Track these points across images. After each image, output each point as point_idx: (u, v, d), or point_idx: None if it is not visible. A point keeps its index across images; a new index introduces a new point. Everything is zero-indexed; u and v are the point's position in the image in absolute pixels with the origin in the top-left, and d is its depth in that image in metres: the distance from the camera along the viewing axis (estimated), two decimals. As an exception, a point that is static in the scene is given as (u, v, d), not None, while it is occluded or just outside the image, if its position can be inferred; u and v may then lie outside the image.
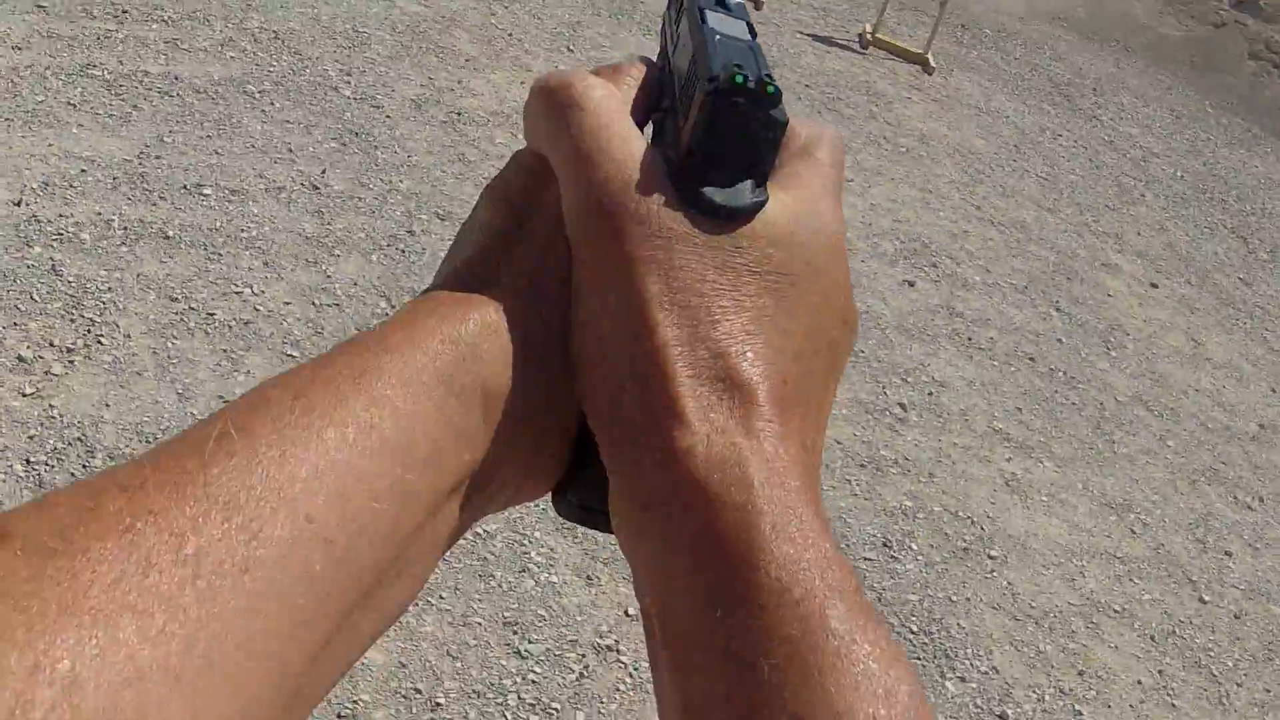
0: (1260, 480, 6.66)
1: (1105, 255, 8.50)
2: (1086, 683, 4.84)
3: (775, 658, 0.54)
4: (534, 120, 0.70)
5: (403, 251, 5.70)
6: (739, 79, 0.63)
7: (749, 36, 0.71)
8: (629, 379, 0.62)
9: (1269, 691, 5.22)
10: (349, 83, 6.81)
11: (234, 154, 5.95)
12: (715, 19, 0.72)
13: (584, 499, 0.69)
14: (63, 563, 0.45)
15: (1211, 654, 5.28)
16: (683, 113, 0.67)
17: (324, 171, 6.02)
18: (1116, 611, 5.28)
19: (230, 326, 4.94)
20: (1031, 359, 6.83)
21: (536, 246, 0.67)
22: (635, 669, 4.17)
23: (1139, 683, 4.96)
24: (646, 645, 0.62)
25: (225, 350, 4.80)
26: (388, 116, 6.65)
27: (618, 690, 4.09)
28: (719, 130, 0.64)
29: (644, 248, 0.62)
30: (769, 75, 0.64)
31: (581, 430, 0.67)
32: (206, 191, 5.63)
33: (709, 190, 0.64)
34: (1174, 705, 4.92)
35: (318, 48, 7.05)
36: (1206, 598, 5.60)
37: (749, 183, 0.64)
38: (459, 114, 6.91)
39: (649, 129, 0.73)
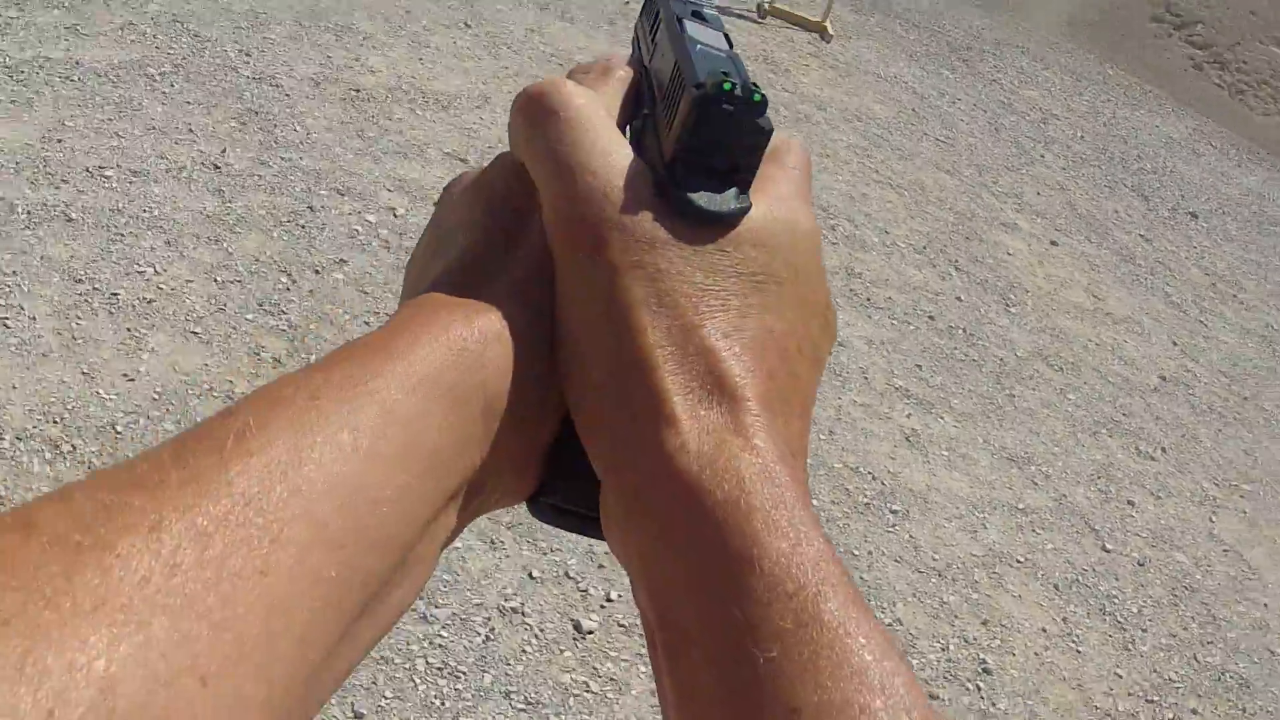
0: (1162, 431, 6.85)
1: (1004, 215, 8.67)
2: (991, 632, 4.98)
3: (771, 652, 0.55)
4: (515, 129, 0.72)
5: (303, 227, 5.75)
6: (727, 85, 0.65)
7: (727, 46, 0.74)
8: (618, 380, 0.64)
9: (1174, 636, 5.39)
10: (248, 63, 6.83)
11: (135, 136, 5.97)
12: (693, 28, 0.75)
13: (559, 501, 0.70)
14: (92, 558, 0.45)
15: (1116, 601, 5.44)
16: (666, 120, 0.69)
17: (224, 151, 6.05)
18: (1019, 562, 5.43)
19: (134, 306, 4.98)
20: (931, 317, 6.98)
21: (526, 250, 0.69)
22: (540, 630, 4.26)
23: (1043, 630, 5.10)
24: (646, 642, 0.64)
25: (129, 329, 4.84)
26: (287, 95, 6.69)
27: (524, 651, 4.17)
28: (705, 136, 0.66)
29: (629, 254, 0.64)
30: (755, 84, 0.66)
31: (557, 433, 0.69)
32: (109, 174, 5.65)
33: (694, 196, 0.65)
34: (1079, 652, 5.07)
35: (216, 29, 7.07)
36: (1110, 546, 5.77)
37: (733, 189, 0.66)
38: (357, 91, 6.96)
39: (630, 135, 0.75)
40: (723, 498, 0.58)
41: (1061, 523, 5.79)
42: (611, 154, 0.67)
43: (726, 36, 0.76)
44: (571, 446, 0.68)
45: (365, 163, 6.38)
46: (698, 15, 0.77)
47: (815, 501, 5.27)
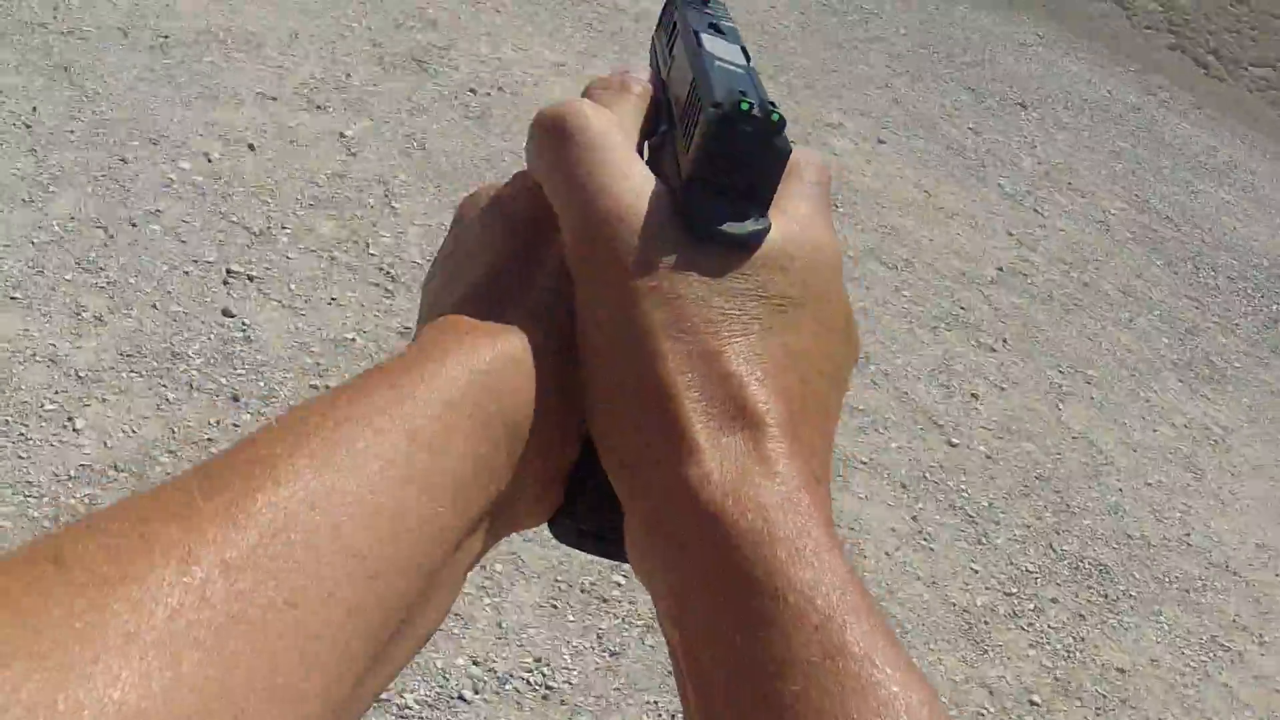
0: (1002, 322, 6.89)
1: (828, 117, 8.67)
2: (839, 533, 4.96)
3: (796, 684, 0.55)
4: (533, 152, 0.72)
5: (117, 181, 5.69)
6: (745, 105, 0.64)
7: (745, 61, 0.74)
8: (639, 407, 0.64)
9: (1029, 527, 5.44)
10: (55, 17, 6.72)
11: None
12: (711, 43, 0.75)
13: (581, 524, 0.71)
14: (122, 592, 0.46)
15: (966, 495, 5.47)
16: (685, 138, 0.69)
17: (35, 109, 5.98)
18: (864, 463, 5.43)
19: None
20: (758, 223, 6.95)
21: (547, 272, 0.71)
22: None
23: (893, 530, 5.11)
24: (673, 672, 0.64)
25: None
26: (95, 47, 6.59)
27: None
28: (722, 157, 0.65)
29: (648, 279, 0.65)
30: (773, 103, 0.66)
31: (579, 455, 0.70)
32: None
33: (712, 218, 0.66)
34: (931, 549, 5.09)
35: (21, -15, 6.92)
36: (956, 440, 5.79)
37: (752, 210, 0.66)
38: (166, 37, 6.85)
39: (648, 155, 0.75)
40: (746, 527, 0.59)
41: (904, 420, 5.79)
42: (630, 177, 0.68)
43: (744, 50, 0.77)
44: (593, 469, 0.69)
45: (177, 110, 6.31)
46: (715, 28, 0.78)
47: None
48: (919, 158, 8.55)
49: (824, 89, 9.12)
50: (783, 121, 0.66)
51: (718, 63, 0.71)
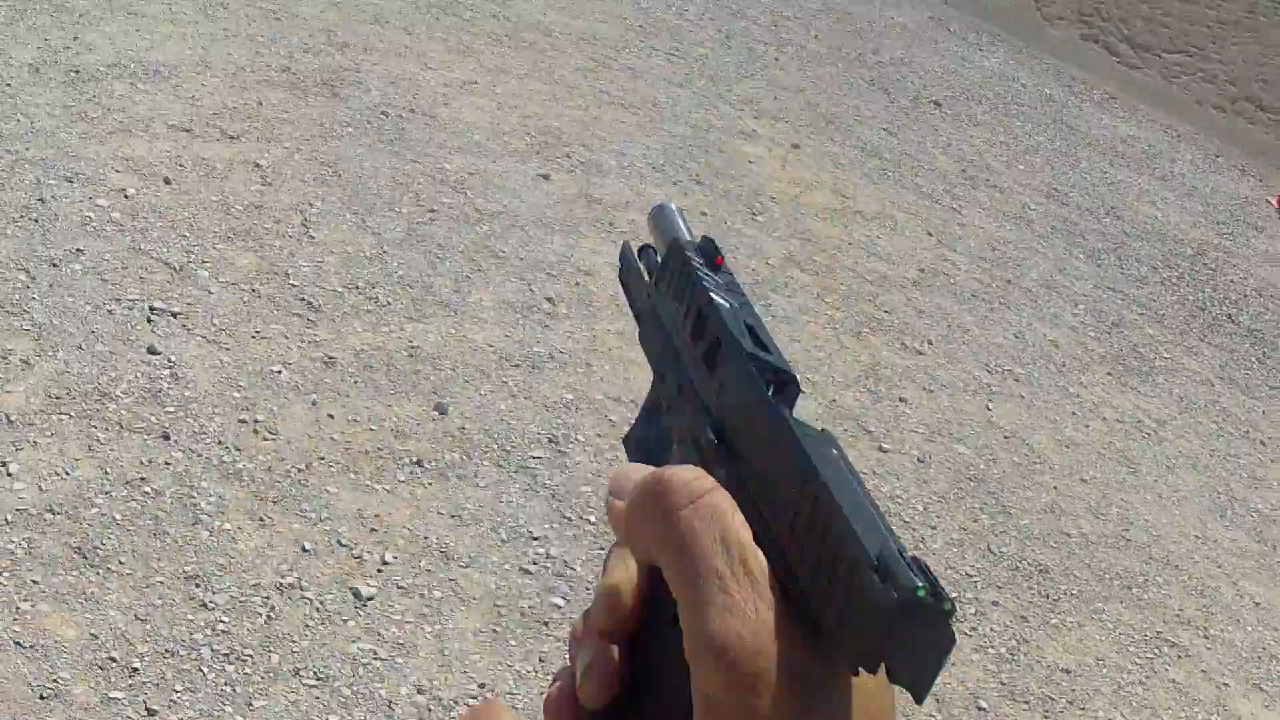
0: (926, 324, 6.92)
1: (742, 124, 8.69)
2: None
3: None
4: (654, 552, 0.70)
5: (36, 221, 5.68)
6: (921, 592, 0.59)
7: (771, 352, 0.78)
8: None
9: (965, 530, 5.46)
10: None
11: None
12: (727, 312, 0.78)
13: None
14: None
15: (900, 501, 5.49)
16: (818, 588, 0.65)
17: None
18: (796, 473, 5.43)
19: None
20: (677, 235, 6.95)
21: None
22: (320, 603, 4.25)
23: (827, 540, 5.11)
24: None
25: None
26: (7, 85, 6.57)
27: (307, 626, 4.16)
28: (887, 642, 0.61)
29: None
30: (938, 583, 0.61)
31: None
32: None
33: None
34: (867, 558, 5.09)
35: (-70, 26, 6.88)
36: (886, 446, 5.80)
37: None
38: (77, 72, 6.84)
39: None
40: None
41: (834, 428, 5.79)
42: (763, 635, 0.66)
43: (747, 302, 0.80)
44: None
45: (91, 146, 6.29)
46: (711, 269, 0.83)
47: (579, 438, 5.26)
48: (834, 161, 8.58)
49: (737, 95, 9.14)
50: (954, 609, 0.61)
51: (826, 463, 0.68)
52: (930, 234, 8.00)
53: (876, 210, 8.05)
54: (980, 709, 4.61)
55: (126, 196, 5.97)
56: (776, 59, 10.15)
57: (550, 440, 5.22)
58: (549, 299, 6.09)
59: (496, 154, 7.29)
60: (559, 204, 6.94)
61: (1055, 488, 6.03)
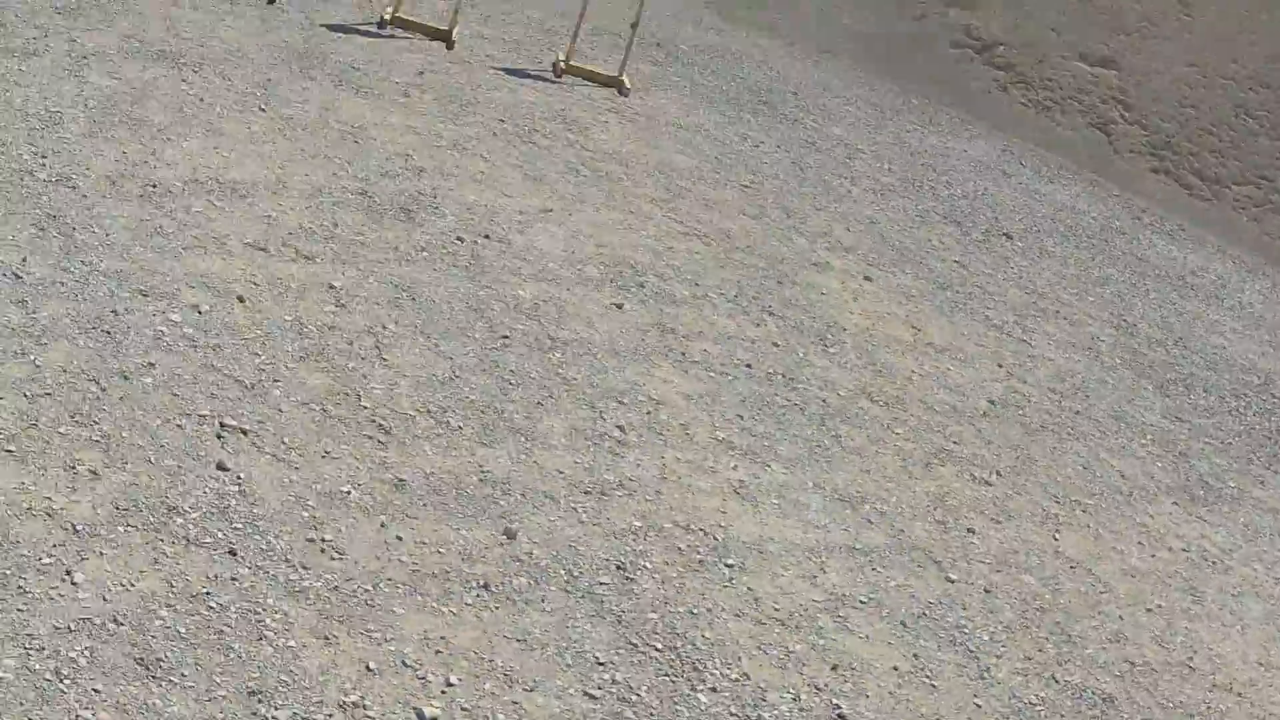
0: (995, 455, 6.99)
1: (815, 255, 8.81)
2: (841, 676, 5.04)
3: None
4: None
5: (108, 333, 5.78)
6: None
7: None
8: None
9: (1030, 659, 5.49)
10: (44, 165, 6.83)
11: None
12: None
13: None
14: None
15: (965, 631, 5.53)
16: None
17: (24, 260, 6.07)
18: (863, 602, 5.50)
19: None
20: (748, 366, 7.07)
21: None
22: None
23: (895, 669, 5.18)
24: None
25: None
26: (84, 196, 6.70)
27: None
28: None
29: None
30: None
31: None
32: None
33: None
34: (934, 686, 5.15)
35: (10, 131, 7.04)
36: (954, 576, 5.86)
37: None
38: (154, 186, 6.98)
39: None
40: None
41: (902, 558, 5.88)
42: None
43: None
44: None
45: (166, 261, 6.42)
46: None
47: (647, 565, 5.34)
48: (906, 293, 8.69)
49: (811, 228, 9.27)
50: None
51: None
52: (1000, 365, 8.08)
53: (947, 342, 8.14)
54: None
55: (200, 313, 6.10)
56: (850, 191, 10.29)
57: (618, 567, 5.31)
58: (619, 427, 6.20)
59: (570, 282, 7.43)
60: (631, 332, 7.07)
61: (1120, 616, 6.06)
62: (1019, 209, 11.13)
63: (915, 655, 5.30)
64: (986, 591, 5.85)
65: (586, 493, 5.69)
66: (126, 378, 5.55)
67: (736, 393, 6.80)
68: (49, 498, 4.80)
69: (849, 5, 14.98)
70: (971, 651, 5.43)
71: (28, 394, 5.29)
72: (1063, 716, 5.24)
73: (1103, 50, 13.92)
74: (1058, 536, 6.47)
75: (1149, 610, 6.19)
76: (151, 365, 5.67)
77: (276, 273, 6.62)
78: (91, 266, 6.18)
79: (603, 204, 8.58)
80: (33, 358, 5.50)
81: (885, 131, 12.27)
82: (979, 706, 5.12)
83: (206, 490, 5.08)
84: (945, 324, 8.41)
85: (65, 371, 5.48)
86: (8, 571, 4.44)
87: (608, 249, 7.94)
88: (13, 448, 4.98)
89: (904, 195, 10.62)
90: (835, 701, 4.89)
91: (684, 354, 7.01)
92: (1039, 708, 5.24)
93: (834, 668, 5.08)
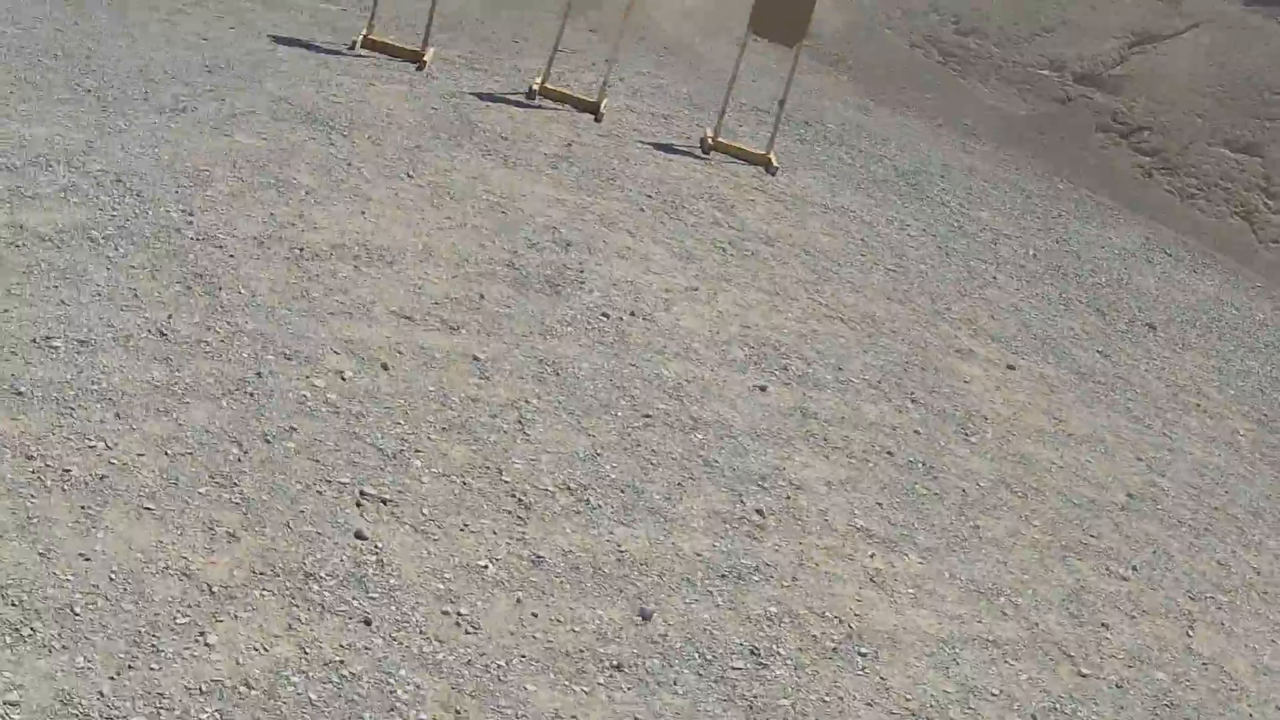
0: (1132, 549, 6.99)
1: (959, 342, 8.86)
2: (969, 768, 5.09)
3: None
4: None
5: (251, 395, 5.95)
6: None
7: None
8: None
9: (1157, 758, 5.50)
10: (191, 223, 7.04)
11: (81, 304, 6.19)
12: None
13: None
14: None
15: (1095, 727, 5.55)
16: None
17: (170, 317, 6.25)
18: (994, 695, 5.54)
19: (86, 483, 5.17)
20: (889, 453, 7.14)
21: None
22: None
23: (1023, 763, 5.21)
24: None
25: (83, 507, 5.03)
26: (230, 256, 6.90)
27: None
28: None
29: None
30: None
31: None
32: (56, 344, 5.87)
33: None
34: (1061, 781, 5.18)
35: (159, 188, 7.27)
36: (1086, 671, 5.88)
37: None
38: (301, 249, 7.17)
39: None
40: None
41: (1035, 651, 5.91)
42: None
43: None
44: None
45: (311, 324, 6.59)
46: None
47: (781, 651, 5.40)
48: (1048, 383, 8.71)
49: (956, 314, 9.31)
50: None
51: None
52: (1140, 458, 8.08)
53: (1088, 433, 8.15)
54: None
55: (343, 379, 6.27)
56: (995, 278, 10.32)
57: (752, 652, 5.38)
58: (759, 511, 6.29)
59: (714, 362, 7.54)
60: (774, 416, 7.16)
61: (1251, 715, 6.04)
62: (1162, 299, 11.10)
63: (1045, 750, 5.34)
64: (1118, 686, 5.86)
65: (723, 576, 5.78)
66: (268, 441, 5.71)
67: (877, 480, 6.86)
68: (186, 557, 4.94)
69: (993, 86, 15.03)
70: (1101, 748, 5.46)
71: (169, 452, 5.45)
72: (1191, 816, 5.24)
73: (1246, 136, 13.85)
74: (1191, 633, 6.46)
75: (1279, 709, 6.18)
76: (293, 430, 5.83)
77: (421, 342, 6.78)
78: (237, 327, 6.36)
79: (749, 284, 8.68)
80: (175, 416, 5.67)
81: (1031, 216, 12.29)
82: (1107, 803, 5.15)
83: (344, 558, 5.21)
84: (1086, 415, 8.42)
85: (207, 432, 5.64)
86: (142, 629, 4.56)
87: (752, 330, 8.05)
88: (152, 505, 5.14)
89: (1048, 282, 10.64)
90: (964, 793, 4.95)
91: (825, 439, 7.09)
92: (1167, 807, 5.26)
93: (964, 759, 5.14)
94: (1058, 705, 5.61)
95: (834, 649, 5.53)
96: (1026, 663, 5.82)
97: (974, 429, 7.72)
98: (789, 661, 5.38)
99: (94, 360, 5.85)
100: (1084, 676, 5.85)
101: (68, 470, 5.19)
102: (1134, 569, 6.83)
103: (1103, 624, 6.28)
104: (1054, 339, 9.48)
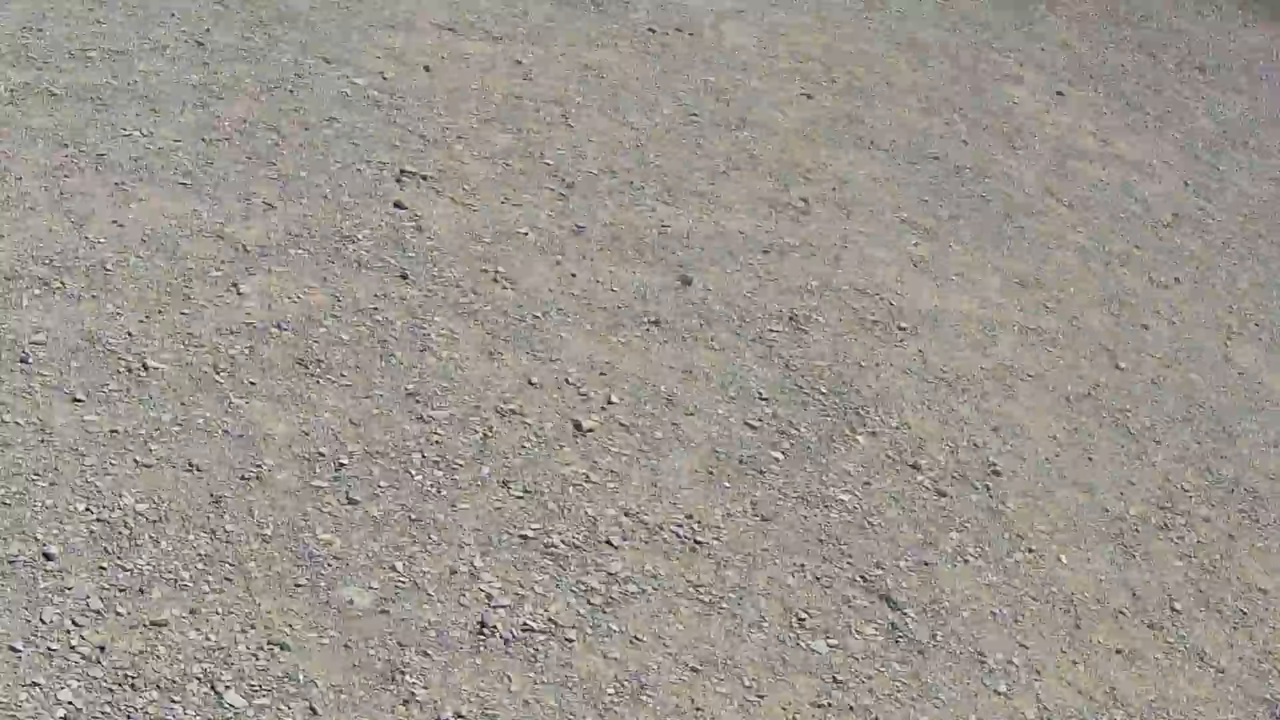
0: (1176, 263, 6.94)
1: (1008, 68, 8.76)
2: (1001, 437, 5.09)
3: None
4: None
5: (291, 92, 5.97)
6: None
7: None
8: None
9: (1187, 449, 5.49)
10: None
11: (116, 22, 6.22)
12: None
13: None
14: None
15: (1129, 414, 5.55)
16: None
17: (208, 30, 6.28)
18: (1031, 375, 5.54)
19: (121, 165, 5.20)
20: (937, 158, 7.08)
21: None
22: (540, 429, 4.42)
23: (1054, 438, 5.22)
24: None
25: (118, 184, 5.07)
26: None
27: (523, 447, 4.33)
28: None
29: None
30: None
31: None
32: (92, 55, 5.91)
33: None
34: (1090, 459, 5.18)
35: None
36: (1123, 364, 5.87)
37: None
38: None
39: None
40: None
41: (1074, 342, 5.89)
42: None
43: None
44: None
45: (353, 36, 6.60)
46: None
47: (820, 319, 5.41)
48: (1097, 110, 8.59)
49: (1005, 45, 9.19)
50: None
51: None
52: (1187, 184, 7.97)
53: (1136, 157, 8.05)
54: (1174, 610, 4.54)
55: (385, 78, 6.24)
56: (1045, 16, 10.16)
57: (791, 319, 5.39)
58: (803, 199, 6.26)
59: (762, 72, 7.48)
60: (822, 120, 7.11)
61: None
62: (1213, 46, 10.88)
63: (1075, 430, 5.33)
64: (1154, 383, 5.84)
65: (765, 251, 5.76)
66: (307, 129, 5.72)
67: (924, 179, 6.81)
68: (221, 223, 4.98)
69: None
70: (1132, 434, 5.45)
71: (206, 139, 5.48)
72: (1212, 506, 5.22)
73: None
74: (1229, 343, 6.42)
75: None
76: (334, 119, 5.84)
77: (464, 50, 6.73)
78: (275, 37, 6.37)
79: (797, 6, 8.58)
80: (213, 109, 5.69)
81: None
82: (1132, 484, 5.14)
83: (381, 224, 5.24)
84: (1135, 140, 8.31)
85: (245, 121, 5.66)
86: (173, 281, 4.61)
87: (800, 47, 7.97)
88: (187, 181, 5.17)
89: (1099, 24, 10.45)
90: (992, 460, 4.94)
91: (873, 142, 7.04)
92: (1190, 494, 5.24)
93: (995, 429, 5.14)
94: (1093, 392, 5.60)
95: (874, 322, 5.53)
96: (1065, 351, 5.81)
97: (1022, 144, 7.64)
98: (827, 329, 5.38)
99: (130, 66, 5.88)
100: (1120, 369, 5.84)
101: (103, 155, 5.23)
102: (1176, 279, 6.77)
103: (1143, 325, 6.25)
104: (1103, 73, 9.33)
